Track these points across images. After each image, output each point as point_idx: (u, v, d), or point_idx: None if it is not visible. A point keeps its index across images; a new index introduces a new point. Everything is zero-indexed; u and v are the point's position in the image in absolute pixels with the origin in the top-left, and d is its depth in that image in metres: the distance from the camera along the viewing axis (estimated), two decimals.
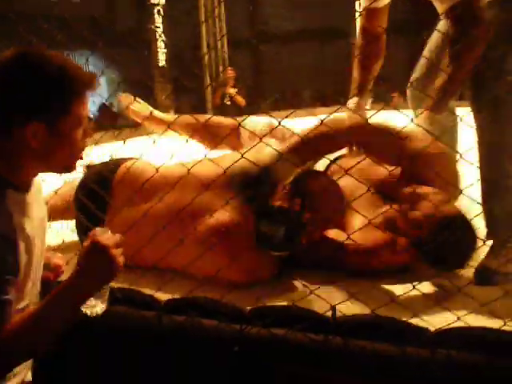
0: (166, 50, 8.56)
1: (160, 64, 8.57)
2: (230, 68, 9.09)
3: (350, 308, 1.43)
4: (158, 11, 8.36)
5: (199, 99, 9.63)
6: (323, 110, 8.57)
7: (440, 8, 1.96)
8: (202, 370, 1.45)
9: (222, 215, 1.84)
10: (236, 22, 10.27)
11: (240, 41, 10.20)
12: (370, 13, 2.16)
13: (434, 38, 2.22)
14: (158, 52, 8.54)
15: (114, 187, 2.07)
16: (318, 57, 10.37)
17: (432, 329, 1.29)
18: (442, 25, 2.07)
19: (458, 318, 1.29)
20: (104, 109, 11.84)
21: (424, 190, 1.79)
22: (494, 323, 1.30)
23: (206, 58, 9.93)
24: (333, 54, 9.88)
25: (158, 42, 8.51)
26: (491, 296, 1.34)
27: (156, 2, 8.32)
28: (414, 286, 1.37)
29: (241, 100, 8.80)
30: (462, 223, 1.71)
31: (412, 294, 1.43)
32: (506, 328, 1.27)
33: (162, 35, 8.50)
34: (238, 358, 1.37)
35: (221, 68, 9.65)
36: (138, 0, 8.65)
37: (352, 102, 2.21)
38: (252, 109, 8.83)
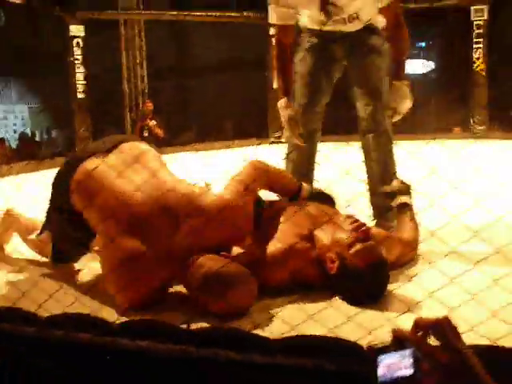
0: (85, 82, 8.59)
1: (79, 96, 8.59)
2: (148, 100, 9.24)
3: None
4: (77, 43, 8.41)
5: (120, 131, 9.67)
6: (242, 142, 8.86)
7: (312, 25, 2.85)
8: None
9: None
10: (162, 53, 10.46)
11: (164, 72, 10.39)
12: (283, 28, 2.80)
13: (308, 65, 2.91)
14: (76, 83, 8.57)
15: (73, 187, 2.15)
16: (240, 88, 10.67)
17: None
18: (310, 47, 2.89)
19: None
20: (24, 138, 11.64)
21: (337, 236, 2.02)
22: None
23: (127, 90, 10.03)
24: (256, 84, 10.23)
25: (77, 74, 8.55)
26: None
27: (76, 34, 8.38)
28: None
29: (159, 132, 8.95)
30: (374, 272, 1.94)
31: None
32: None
33: (81, 67, 8.55)
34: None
35: (141, 100, 9.78)
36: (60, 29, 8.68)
37: (282, 103, 2.79)
38: (172, 141, 9.02)
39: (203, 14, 9.44)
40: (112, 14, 9.50)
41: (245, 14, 9.86)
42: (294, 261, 1.99)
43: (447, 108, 9.82)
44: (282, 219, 2.14)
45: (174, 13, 9.45)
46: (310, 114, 2.88)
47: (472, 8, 9.07)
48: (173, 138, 9.55)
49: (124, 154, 2.22)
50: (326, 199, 2.35)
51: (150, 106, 9.17)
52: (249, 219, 2.09)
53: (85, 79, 8.59)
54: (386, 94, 2.78)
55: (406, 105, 2.68)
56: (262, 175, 2.20)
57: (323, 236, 2.04)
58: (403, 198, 2.57)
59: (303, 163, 3.00)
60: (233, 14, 9.91)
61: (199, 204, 2.03)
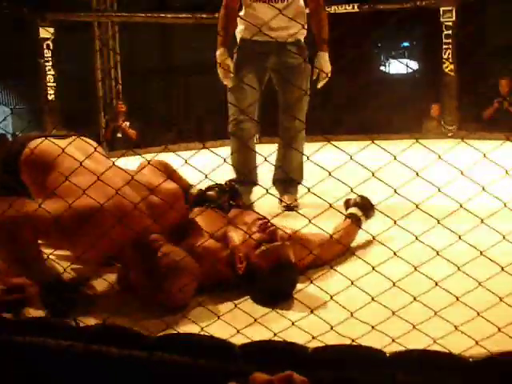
0: (54, 84, 8.59)
1: (49, 97, 8.58)
2: (120, 102, 9.25)
3: None
4: (48, 45, 8.40)
5: (93, 132, 9.65)
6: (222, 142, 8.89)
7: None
8: None
9: None
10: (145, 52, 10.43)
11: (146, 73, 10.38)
12: None
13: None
14: (47, 85, 8.56)
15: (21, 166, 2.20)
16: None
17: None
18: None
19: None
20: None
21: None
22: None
23: (100, 91, 10.03)
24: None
25: (47, 76, 8.54)
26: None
27: (45, 36, 8.37)
28: None
29: (132, 133, 8.97)
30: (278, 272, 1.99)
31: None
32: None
33: (52, 69, 8.54)
34: None
35: (114, 101, 9.77)
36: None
37: (221, 51, 3.47)
38: (150, 142, 9.01)
39: (176, 16, 9.45)
40: (84, 15, 9.49)
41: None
42: (204, 259, 2.04)
43: (424, 108, 9.89)
44: (198, 219, 2.20)
45: (144, 15, 9.44)
46: (243, 116, 3.13)
47: (441, 9, 9.16)
48: (152, 139, 9.53)
49: (71, 140, 2.25)
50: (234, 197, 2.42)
51: (122, 107, 9.21)
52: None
53: (55, 81, 8.58)
54: (303, 112, 3.53)
55: (327, 67, 3.51)
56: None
57: (235, 236, 2.09)
58: (357, 212, 2.66)
59: (245, 164, 3.21)
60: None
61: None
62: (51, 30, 8.38)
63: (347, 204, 2.77)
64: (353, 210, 2.71)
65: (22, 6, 8.21)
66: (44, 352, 1.47)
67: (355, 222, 2.66)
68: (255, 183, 3.27)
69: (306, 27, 3.54)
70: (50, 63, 8.48)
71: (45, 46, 8.39)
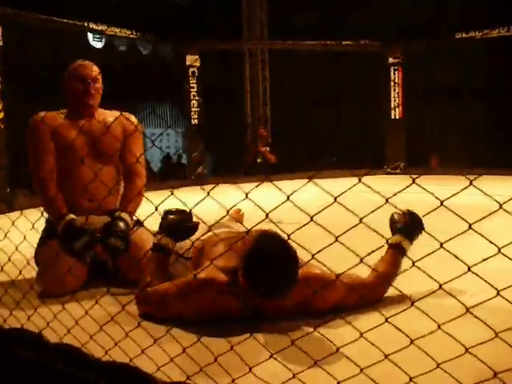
0: (198, 109, 9.00)
1: (192, 122, 9.03)
2: (262, 128, 9.41)
3: None
4: (193, 72, 8.84)
5: (238, 154, 9.88)
6: (356, 172, 8.60)
7: None
8: None
9: None
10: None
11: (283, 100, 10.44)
12: None
13: None
14: (191, 111, 9.02)
15: None
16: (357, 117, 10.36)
17: None
18: None
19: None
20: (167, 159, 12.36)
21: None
22: None
23: (249, 117, 10.25)
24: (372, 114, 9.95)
25: (192, 102, 8.99)
26: None
27: (191, 64, 8.82)
28: None
29: (270, 157, 9.02)
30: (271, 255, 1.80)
31: None
32: None
33: (196, 95, 8.98)
34: None
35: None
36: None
37: None
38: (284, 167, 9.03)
39: (316, 43, 9.40)
40: (232, 43, 9.80)
41: (361, 42, 9.65)
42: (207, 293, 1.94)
43: None
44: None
45: (289, 42, 9.50)
46: None
47: None
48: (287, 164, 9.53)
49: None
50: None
51: (263, 132, 9.40)
52: None
53: (198, 107, 8.98)
54: None
55: None
56: None
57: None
58: (401, 240, 2.32)
59: None
60: (349, 43, 9.75)
61: None
62: (196, 57, 8.80)
63: (392, 223, 2.41)
64: (397, 237, 2.31)
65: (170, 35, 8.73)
66: None
67: (398, 253, 2.28)
68: None
69: None
70: (195, 89, 8.90)
71: (190, 73, 8.83)
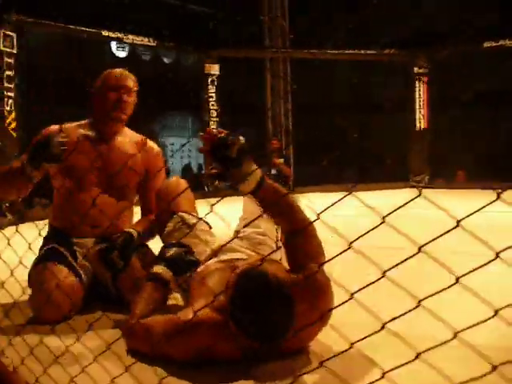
0: (217, 119, 8.83)
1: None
2: (274, 138, 9.19)
3: None
4: (212, 81, 8.67)
5: None
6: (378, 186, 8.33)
7: None
8: None
9: None
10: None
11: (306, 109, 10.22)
12: None
13: None
14: (210, 120, 8.84)
15: None
16: (381, 128, 10.11)
17: None
18: None
19: None
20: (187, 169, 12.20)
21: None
22: None
23: (270, 127, 10.04)
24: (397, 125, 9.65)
25: (211, 111, 8.81)
26: None
27: (210, 72, 8.65)
28: None
29: (286, 170, 8.80)
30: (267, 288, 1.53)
31: None
32: None
33: (215, 104, 8.80)
34: None
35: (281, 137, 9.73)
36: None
37: None
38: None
39: (342, 52, 9.17)
40: (252, 51, 9.62)
41: (386, 51, 9.40)
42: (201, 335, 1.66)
43: None
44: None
45: (314, 51, 9.30)
46: None
47: None
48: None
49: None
50: None
51: (275, 143, 9.14)
52: None
53: (217, 116, 8.80)
54: None
55: None
56: None
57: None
58: None
59: None
60: (375, 52, 9.49)
61: None
62: (216, 66, 8.63)
63: None
64: None
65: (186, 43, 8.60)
66: None
67: None
68: None
69: None
70: (214, 98, 8.72)
71: (209, 82, 8.66)
